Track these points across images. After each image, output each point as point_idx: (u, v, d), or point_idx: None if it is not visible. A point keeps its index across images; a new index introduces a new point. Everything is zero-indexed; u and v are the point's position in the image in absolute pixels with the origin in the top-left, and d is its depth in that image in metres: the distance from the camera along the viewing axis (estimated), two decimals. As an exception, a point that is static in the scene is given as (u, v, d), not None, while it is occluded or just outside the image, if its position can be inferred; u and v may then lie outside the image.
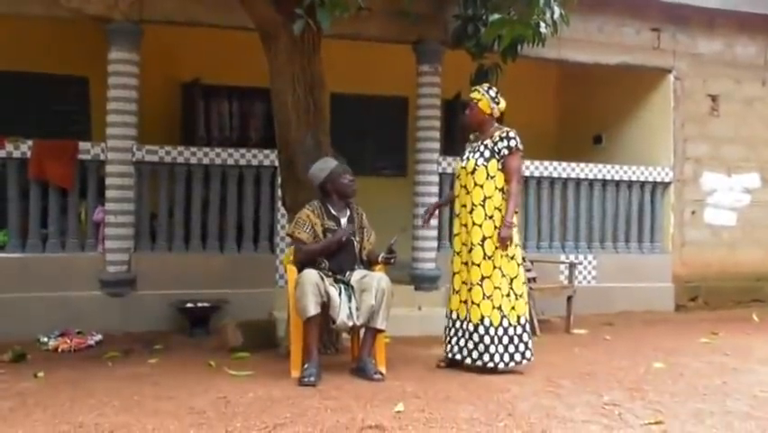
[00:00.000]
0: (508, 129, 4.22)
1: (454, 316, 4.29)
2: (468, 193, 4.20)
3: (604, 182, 7.06)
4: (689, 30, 7.34)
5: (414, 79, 6.48)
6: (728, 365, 4.50)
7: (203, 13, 5.62)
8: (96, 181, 5.72)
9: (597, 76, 7.66)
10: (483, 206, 4.14)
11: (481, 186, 4.14)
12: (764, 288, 7.52)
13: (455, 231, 4.34)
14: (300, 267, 4.20)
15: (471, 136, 4.41)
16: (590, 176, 6.99)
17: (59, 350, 4.99)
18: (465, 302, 4.20)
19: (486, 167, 4.15)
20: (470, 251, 4.16)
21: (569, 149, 8.35)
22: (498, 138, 4.18)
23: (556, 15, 4.25)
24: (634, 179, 7.11)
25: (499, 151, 4.15)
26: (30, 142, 5.55)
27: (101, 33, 5.67)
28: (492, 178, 4.15)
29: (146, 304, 5.63)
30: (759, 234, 7.58)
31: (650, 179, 7.16)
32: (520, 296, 4.20)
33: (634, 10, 7.02)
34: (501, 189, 4.17)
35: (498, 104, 4.29)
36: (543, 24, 4.83)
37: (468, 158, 4.25)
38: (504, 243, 4.08)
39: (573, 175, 6.93)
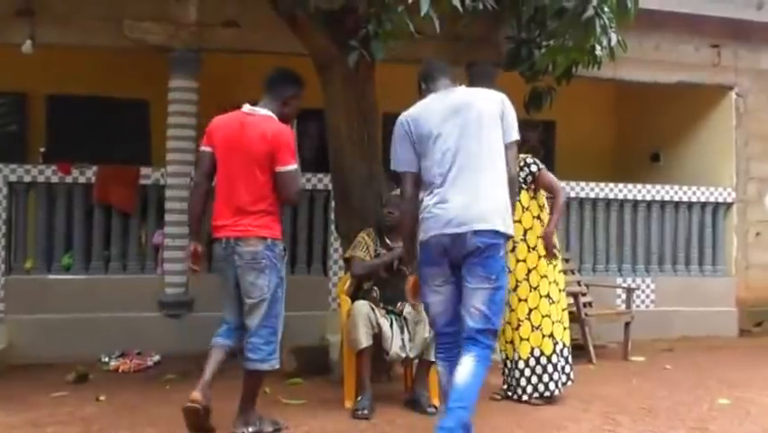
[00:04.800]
0: (523, 156, 4.22)
1: (503, 355, 4.27)
2: None
3: (662, 204, 6.86)
4: (751, 45, 7.09)
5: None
6: (798, 402, 4.30)
7: (260, 42, 5.72)
8: (156, 205, 5.89)
9: (654, 93, 7.46)
10: (525, 240, 4.14)
11: (519, 221, 4.12)
12: (834, 313, 7.16)
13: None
14: (354, 295, 4.25)
15: None
16: (648, 197, 6.81)
17: (120, 370, 5.15)
18: (511, 342, 4.17)
19: (519, 201, 4.14)
20: (514, 289, 4.12)
21: (626, 167, 8.16)
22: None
23: (613, 42, 4.16)
24: (694, 199, 6.89)
25: (524, 180, 4.15)
26: (94, 168, 5.76)
27: (161, 60, 5.86)
28: (527, 209, 4.16)
29: (203, 325, 5.68)
30: (829, 256, 7.23)
31: (711, 199, 6.93)
32: (559, 321, 4.22)
33: (692, 27, 6.82)
34: (538, 217, 4.17)
35: None
36: (598, 48, 4.73)
37: None
38: (550, 251, 4.07)
39: (630, 196, 6.77)
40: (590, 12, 3.83)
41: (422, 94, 3.25)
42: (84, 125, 7.21)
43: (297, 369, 4.85)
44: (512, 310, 4.15)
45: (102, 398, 4.24)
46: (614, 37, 4.14)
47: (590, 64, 4.81)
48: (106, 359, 5.30)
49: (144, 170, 5.87)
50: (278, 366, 3.36)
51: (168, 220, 5.74)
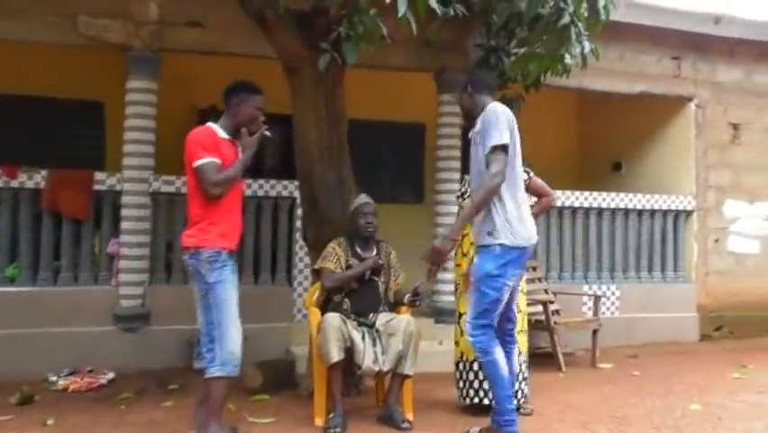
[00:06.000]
0: None
1: (464, 358, 4.15)
2: None
3: (626, 211, 6.92)
4: (709, 58, 7.24)
5: (431, 106, 6.39)
6: (765, 405, 4.36)
7: (224, 43, 5.52)
8: (111, 212, 5.61)
9: (616, 103, 7.54)
10: None
11: None
12: (789, 317, 7.34)
13: (463, 271, 4.19)
14: (323, 306, 4.09)
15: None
16: (613, 205, 6.85)
17: (70, 390, 4.82)
18: None
19: None
20: None
21: (588, 176, 8.23)
22: None
23: (587, 50, 4.13)
24: (656, 207, 6.97)
25: None
26: (44, 173, 5.43)
27: (118, 60, 5.60)
28: None
29: (160, 340, 5.48)
30: (782, 262, 7.43)
31: (672, 207, 7.03)
32: (523, 330, 4.15)
33: (654, 38, 6.92)
34: None
35: None
36: (568, 56, 4.71)
37: None
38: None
39: (595, 204, 6.80)
40: (566, 19, 3.79)
41: (470, 95, 3.59)
42: (33, 127, 6.85)
43: (262, 384, 4.64)
44: None
45: (50, 421, 3.94)
46: (587, 45, 4.10)
47: (561, 72, 4.78)
48: (55, 378, 4.95)
49: (98, 175, 5.57)
50: (219, 374, 3.25)
51: (124, 228, 5.46)
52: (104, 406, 4.38)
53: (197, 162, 3.27)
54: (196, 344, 3.57)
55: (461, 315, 4.16)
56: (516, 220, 3.30)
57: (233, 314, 3.33)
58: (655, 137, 7.59)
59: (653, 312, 6.84)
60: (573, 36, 3.92)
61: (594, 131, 8.54)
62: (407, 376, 3.85)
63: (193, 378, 5.16)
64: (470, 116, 3.62)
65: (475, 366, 4.05)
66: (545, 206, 4.47)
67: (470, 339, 3.34)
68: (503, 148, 3.26)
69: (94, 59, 6.35)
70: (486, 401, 3.96)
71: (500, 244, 3.26)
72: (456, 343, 4.25)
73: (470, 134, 3.59)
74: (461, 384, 4.17)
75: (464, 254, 4.12)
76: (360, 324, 3.94)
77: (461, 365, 4.17)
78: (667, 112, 7.37)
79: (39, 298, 5.35)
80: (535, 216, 4.16)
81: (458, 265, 4.24)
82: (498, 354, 3.30)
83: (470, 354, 4.04)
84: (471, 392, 4.09)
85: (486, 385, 3.93)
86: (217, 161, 3.28)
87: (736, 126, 7.35)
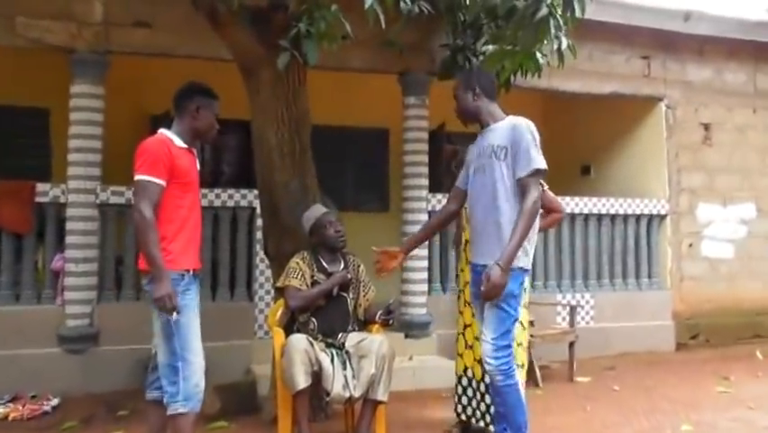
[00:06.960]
0: None
1: (469, 374, 3.88)
2: None
3: (599, 216, 6.74)
4: (678, 57, 7.12)
5: (395, 110, 6.13)
6: (757, 423, 4.19)
7: (175, 44, 5.17)
8: (55, 226, 5.20)
9: (584, 104, 7.39)
10: None
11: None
12: (765, 322, 7.23)
13: (467, 278, 3.92)
14: (288, 325, 3.78)
15: None
16: (585, 210, 6.66)
17: (10, 418, 4.43)
18: (479, 361, 3.74)
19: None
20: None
21: (556, 180, 7.95)
22: None
23: (564, 46, 3.90)
24: (630, 212, 6.80)
25: None
26: (-19, 184, 5.03)
27: (64, 63, 5.21)
28: None
29: (110, 361, 5.08)
30: (756, 266, 7.33)
31: (646, 211, 6.87)
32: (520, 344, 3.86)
33: (623, 37, 6.77)
34: None
35: None
36: (539, 54, 4.48)
37: None
38: None
39: (567, 210, 6.57)
40: (544, 11, 3.55)
41: (477, 97, 3.27)
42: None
43: (220, 410, 4.30)
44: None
45: (-16, 457, 3.58)
46: (564, 41, 3.87)
47: (535, 70, 4.54)
48: (-7, 406, 4.56)
49: (41, 186, 5.16)
50: (182, 410, 2.98)
51: (69, 242, 5.06)
52: (47, 436, 4.01)
53: (138, 176, 2.93)
54: (150, 371, 3.17)
55: (466, 326, 3.91)
56: (529, 243, 3.10)
57: (197, 342, 3.03)
58: (625, 139, 7.45)
59: (628, 321, 6.66)
60: (552, 30, 3.67)
61: (561, 134, 8.33)
62: (381, 402, 3.54)
63: (145, 405, 4.79)
64: (470, 119, 3.32)
65: (482, 387, 3.78)
66: (554, 221, 4.26)
67: (494, 362, 2.99)
68: (541, 172, 3.07)
69: (39, 64, 5.95)
70: (491, 429, 3.65)
71: (520, 268, 3.06)
72: (460, 355, 3.99)
73: (479, 137, 3.30)
74: (463, 400, 3.92)
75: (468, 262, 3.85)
76: (328, 345, 3.63)
77: (464, 381, 3.93)
78: (637, 113, 7.23)
79: (-24, 319, 4.92)
80: (542, 228, 3.85)
81: (462, 271, 3.99)
82: (519, 376, 3.12)
83: (477, 370, 3.80)
84: (478, 414, 3.83)
85: (492, 410, 3.63)
86: (160, 182, 2.94)
87: (707, 127, 7.24)
